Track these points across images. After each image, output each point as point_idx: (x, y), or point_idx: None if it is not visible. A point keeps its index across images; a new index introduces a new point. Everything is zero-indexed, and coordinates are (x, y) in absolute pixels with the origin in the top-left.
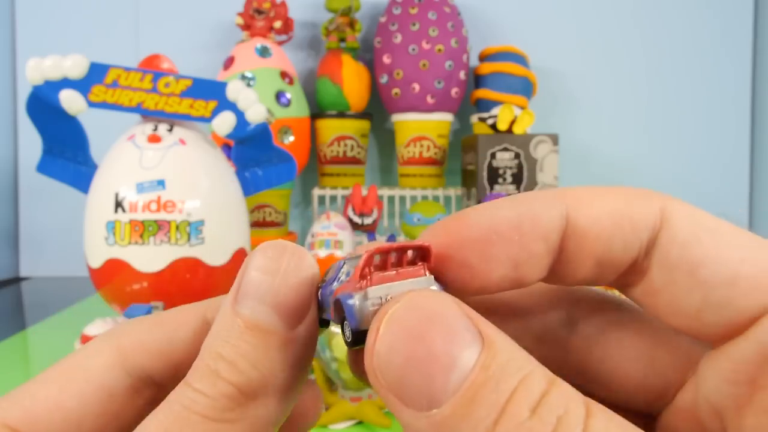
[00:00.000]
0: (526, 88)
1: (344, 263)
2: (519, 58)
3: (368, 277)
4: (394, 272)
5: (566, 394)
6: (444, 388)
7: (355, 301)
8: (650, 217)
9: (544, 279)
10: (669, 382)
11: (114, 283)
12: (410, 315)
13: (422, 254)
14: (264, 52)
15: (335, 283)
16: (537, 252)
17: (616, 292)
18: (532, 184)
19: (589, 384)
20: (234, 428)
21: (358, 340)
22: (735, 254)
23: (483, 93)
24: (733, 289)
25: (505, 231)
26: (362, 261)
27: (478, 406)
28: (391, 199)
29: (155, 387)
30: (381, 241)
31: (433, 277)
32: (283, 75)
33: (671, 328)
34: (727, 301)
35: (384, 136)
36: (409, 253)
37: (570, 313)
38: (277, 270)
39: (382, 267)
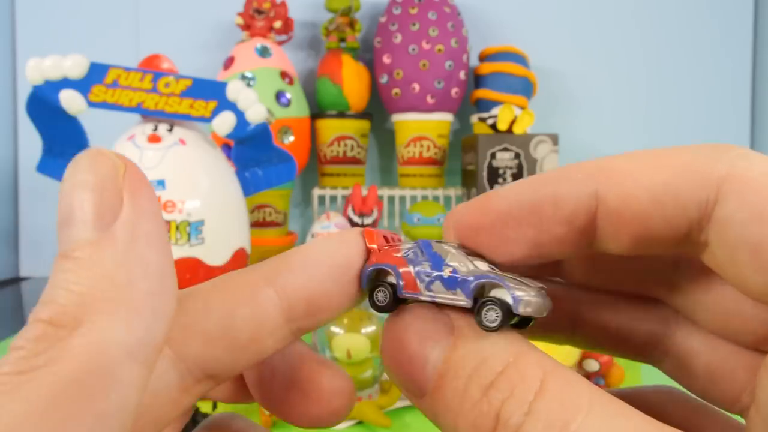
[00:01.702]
0: (526, 88)
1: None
2: (519, 58)
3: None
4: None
5: (520, 373)
6: (424, 380)
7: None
8: (701, 192)
9: (584, 251)
10: None
11: None
12: (393, 325)
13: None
14: (264, 52)
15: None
16: (559, 235)
17: None
18: None
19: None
20: (55, 370)
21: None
22: None
23: (483, 93)
24: None
25: (523, 215)
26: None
27: (447, 392)
28: (391, 199)
29: (209, 380)
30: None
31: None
32: (283, 75)
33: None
34: None
35: (384, 136)
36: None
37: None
38: (74, 185)
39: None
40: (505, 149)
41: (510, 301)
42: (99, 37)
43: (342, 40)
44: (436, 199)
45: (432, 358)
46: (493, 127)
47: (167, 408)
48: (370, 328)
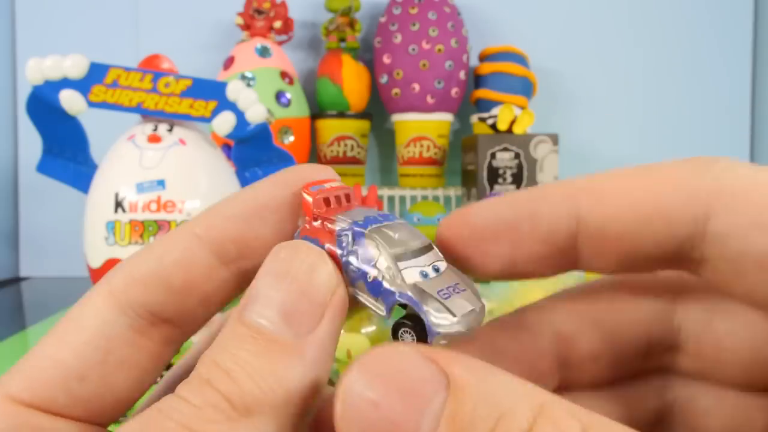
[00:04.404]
0: (526, 88)
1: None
2: (519, 58)
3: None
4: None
5: (555, 423)
6: None
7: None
8: (689, 208)
9: (566, 269)
10: None
11: None
12: (365, 381)
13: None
14: (264, 52)
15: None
16: (537, 253)
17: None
18: (532, 184)
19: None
20: None
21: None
22: None
23: (483, 93)
24: None
25: (501, 231)
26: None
27: None
28: (391, 199)
29: (165, 324)
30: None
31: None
32: (283, 75)
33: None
34: None
35: (384, 136)
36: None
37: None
38: (287, 272)
39: (334, 207)
40: (505, 149)
41: (426, 328)
42: (99, 37)
43: (342, 40)
44: (436, 199)
45: (427, 423)
46: (493, 127)
47: (128, 350)
48: (370, 328)
